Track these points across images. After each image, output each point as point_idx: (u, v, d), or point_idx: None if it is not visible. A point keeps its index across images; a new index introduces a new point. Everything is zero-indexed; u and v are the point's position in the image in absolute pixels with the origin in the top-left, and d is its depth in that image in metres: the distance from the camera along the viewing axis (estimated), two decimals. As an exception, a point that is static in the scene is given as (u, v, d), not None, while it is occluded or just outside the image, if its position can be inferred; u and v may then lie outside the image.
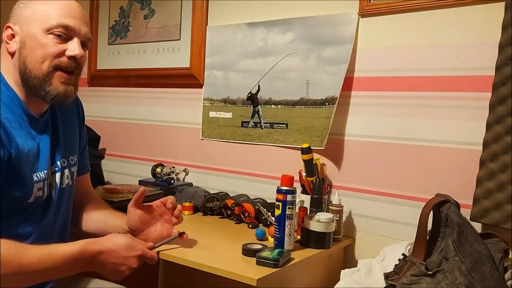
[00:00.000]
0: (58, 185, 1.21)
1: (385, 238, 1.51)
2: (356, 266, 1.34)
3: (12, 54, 1.13)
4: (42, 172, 1.14)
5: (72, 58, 1.12)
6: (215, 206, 1.69)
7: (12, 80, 1.13)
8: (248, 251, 1.25)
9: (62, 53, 1.12)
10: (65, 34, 1.12)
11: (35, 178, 1.11)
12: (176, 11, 2.03)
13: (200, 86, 1.96)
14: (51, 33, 1.10)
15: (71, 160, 1.27)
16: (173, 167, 1.96)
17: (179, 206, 1.30)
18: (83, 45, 1.16)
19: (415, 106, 1.48)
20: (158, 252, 1.23)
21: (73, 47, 1.12)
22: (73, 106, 1.31)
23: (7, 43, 1.13)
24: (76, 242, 1.07)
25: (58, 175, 1.21)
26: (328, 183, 1.62)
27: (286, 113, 1.73)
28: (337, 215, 1.47)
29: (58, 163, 1.21)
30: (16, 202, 1.09)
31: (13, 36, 1.13)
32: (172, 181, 1.91)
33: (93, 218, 1.34)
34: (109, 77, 2.29)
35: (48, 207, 1.18)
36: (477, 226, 1.31)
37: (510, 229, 1.24)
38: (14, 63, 1.13)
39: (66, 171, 1.24)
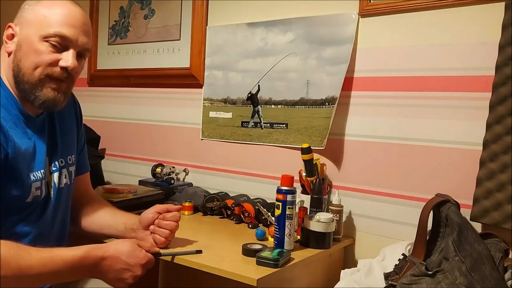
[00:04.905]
0: (56, 185, 1.21)
1: (385, 238, 1.51)
2: (356, 266, 1.33)
3: (9, 54, 1.13)
4: (39, 171, 1.14)
5: (64, 69, 1.11)
6: (215, 206, 1.69)
7: (7, 79, 1.13)
8: (248, 251, 1.25)
9: (55, 63, 1.10)
10: (61, 43, 1.10)
11: (32, 177, 1.11)
12: (176, 11, 2.03)
13: (200, 86, 1.96)
14: (47, 41, 1.09)
15: (69, 159, 1.27)
16: (173, 167, 1.96)
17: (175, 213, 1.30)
18: (80, 54, 1.14)
19: (415, 106, 1.48)
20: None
21: (67, 58, 1.10)
22: (70, 105, 1.30)
23: (6, 42, 1.13)
24: (79, 247, 1.06)
25: (56, 175, 1.21)
26: (328, 183, 1.62)
27: (286, 113, 1.73)
28: (337, 215, 1.47)
29: (56, 163, 1.21)
30: (15, 202, 1.09)
31: (12, 36, 1.12)
32: (172, 181, 1.91)
33: (97, 216, 1.34)
34: (109, 77, 2.29)
35: (46, 207, 1.18)
36: (477, 226, 1.31)
37: (510, 229, 1.24)
38: (9, 63, 1.12)
39: (64, 171, 1.24)
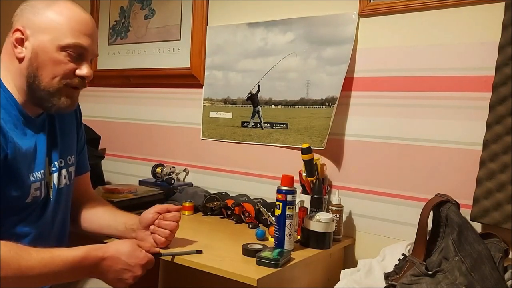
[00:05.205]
0: (56, 185, 1.20)
1: (385, 238, 1.51)
2: (356, 266, 1.33)
3: (20, 60, 1.11)
4: (39, 172, 1.14)
5: (82, 77, 1.14)
6: (215, 206, 1.69)
7: (13, 82, 1.12)
8: (248, 251, 1.25)
9: (72, 72, 1.12)
10: (78, 53, 1.12)
11: (31, 178, 1.11)
12: (176, 11, 2.03)
13: (200, 86, 1.96)
14: (64, 51, 1.10)
15: (69, 160, 1.27)
16: (173, 167, 1.96)
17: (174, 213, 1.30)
18: (90, 60, 1.17)
19: (415, 106, 1.48)
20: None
21: (83, 68, 1.13)
22: None
23: (16, 47, 1.10)
24: (79, 248, 1.06)
25: (55, 175, 1.21)
26: (328, 183, 1.62)
27: (286, 113, 1.73)
28: (337, 215, 1.47)
29: (56, 163, 1.21)
30: (14, 202, 1.08)
31: (22, 40, 1.10)
32: (172, 181, 1.91)
33: (97, 216, 1.34)
34: (109, 77, 2.29)
35: (45, 207, 1.17)
36: (477, 226, 1.31)
37: (510, 229, 1.24)
38: (20, 69, 1.11)
39: (64, 171, 1.24)
